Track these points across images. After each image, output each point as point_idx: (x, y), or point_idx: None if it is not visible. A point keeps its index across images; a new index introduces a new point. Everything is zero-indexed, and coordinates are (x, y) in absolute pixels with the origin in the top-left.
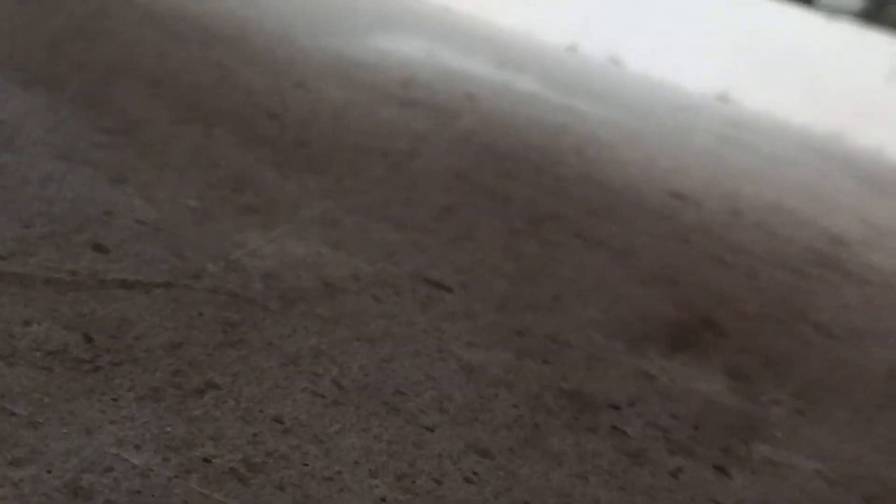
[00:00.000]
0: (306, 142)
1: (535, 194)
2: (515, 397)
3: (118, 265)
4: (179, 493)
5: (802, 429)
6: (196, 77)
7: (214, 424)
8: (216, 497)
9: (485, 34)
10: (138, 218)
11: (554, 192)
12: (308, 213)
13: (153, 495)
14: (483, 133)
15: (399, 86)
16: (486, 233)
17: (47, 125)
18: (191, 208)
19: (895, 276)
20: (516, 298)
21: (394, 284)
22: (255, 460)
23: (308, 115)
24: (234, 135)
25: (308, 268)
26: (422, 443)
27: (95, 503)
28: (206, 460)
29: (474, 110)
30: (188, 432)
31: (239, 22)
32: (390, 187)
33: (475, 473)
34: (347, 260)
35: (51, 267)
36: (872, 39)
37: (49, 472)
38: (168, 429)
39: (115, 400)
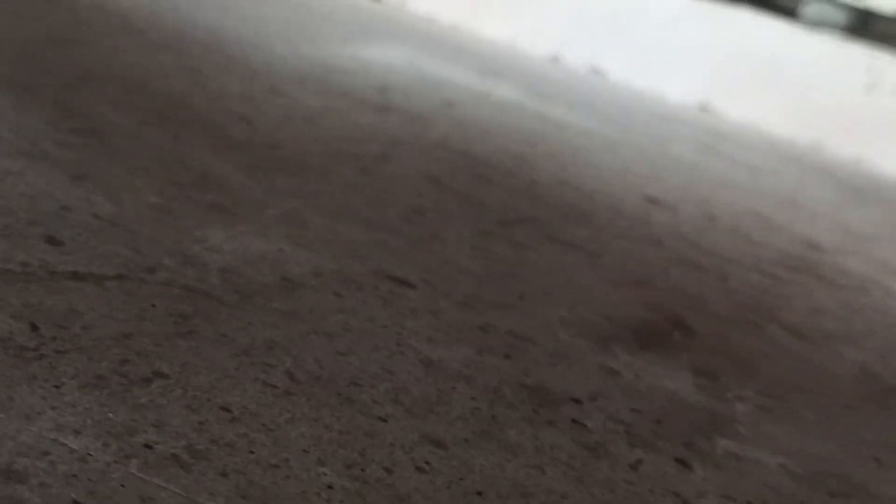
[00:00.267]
0: (277, 145)
1: (508, 198)
2: (474, 391)
3: (70, 257)
4: (117, 477)
5: (768, 426)
6: (169, 83)
7: (159, 412)
8: (155, 482)
9: (468, 44)
10: (96, 213)
11: (528, 196)
12: (273, 213)
13: (90, 479)
14: (459, 139)
15: (377, 92)
16: (455, 234)
17: (11, 124)
18: (151, 205)
19: (870, 280)
20: (481, 297)
21: (356, 281)
22: (198, 447)
23: (281, 120)
24: (203, 137)
25: (268, 264)
26: (374, 433)
27: (29, 486)
28: (147, 446)
29: (452, 117)
30: (131, 419)
31: (216, 30)
32: (360, 190)
33: (427, 463)
34: (310, 257)
35: (1, 258)
36: (853, 53)
37: None
38: (110, 415)
39: (57, 387)
